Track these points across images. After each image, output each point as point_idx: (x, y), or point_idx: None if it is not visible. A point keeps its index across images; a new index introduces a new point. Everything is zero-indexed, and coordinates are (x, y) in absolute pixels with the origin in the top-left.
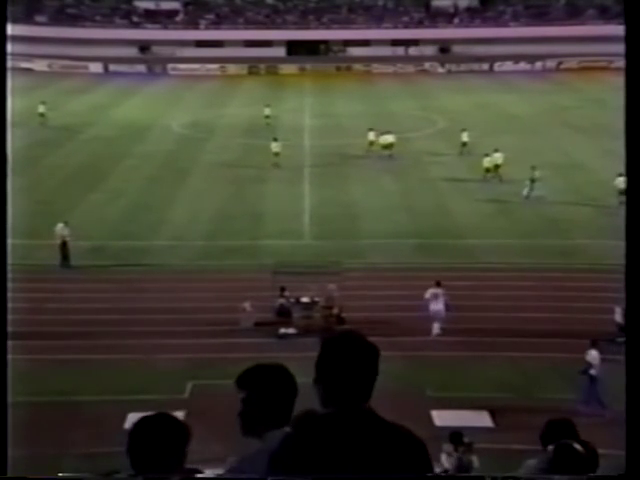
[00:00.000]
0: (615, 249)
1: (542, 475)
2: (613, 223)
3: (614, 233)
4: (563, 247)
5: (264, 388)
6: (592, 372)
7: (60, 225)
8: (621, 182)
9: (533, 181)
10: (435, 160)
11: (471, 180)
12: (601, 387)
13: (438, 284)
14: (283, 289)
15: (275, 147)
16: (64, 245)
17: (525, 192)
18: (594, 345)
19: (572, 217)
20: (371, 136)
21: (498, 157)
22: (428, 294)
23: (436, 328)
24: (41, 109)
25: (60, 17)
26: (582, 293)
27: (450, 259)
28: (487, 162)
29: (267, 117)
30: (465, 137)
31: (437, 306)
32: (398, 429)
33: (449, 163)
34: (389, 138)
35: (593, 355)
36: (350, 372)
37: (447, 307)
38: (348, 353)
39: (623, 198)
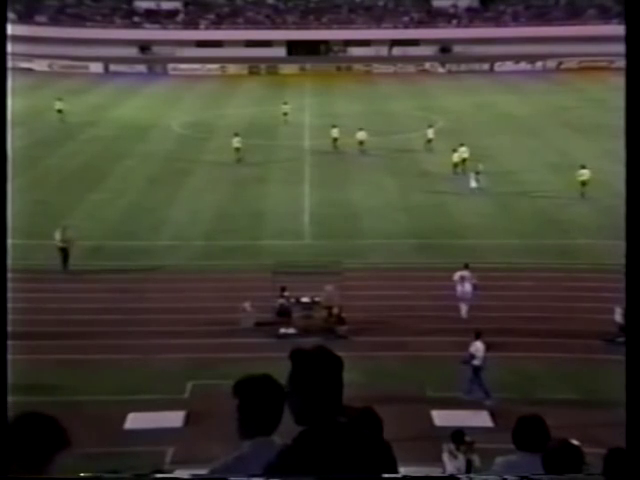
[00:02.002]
0: (615, 249)
1: (542, 475)
2: (601, 220)
3: (593, 232)
4: (563, 246)
5: (253, 397)
6: (476, 362)
7: (58, 230)
8: (582, 174)
9: (478, 173)
10: (434, 159)
11: (470, 179)
12: (485, 376)
13: (466, 266)
14: (283, 289)
15: (236, 142)
16: (63, 250)
17: (473, 184)
18: (478, 337)
19: (567, 217)
20: (334, 133)
21: (464, 151)
22: (456, 276)
23: (464, 310)
24: (58, 105)
25: (60, 17)
26: (582, 293)
27: (450, 259)
28: (455, 157)
29: (285, 114)
30: (430, 134)
31: (465, 288)
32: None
33: (448, 162)
34: (362, 135)
35: (477, 346)
36: (325, 387)
37: (475, 288)
38: (321, 369)
39: (584, 189)
